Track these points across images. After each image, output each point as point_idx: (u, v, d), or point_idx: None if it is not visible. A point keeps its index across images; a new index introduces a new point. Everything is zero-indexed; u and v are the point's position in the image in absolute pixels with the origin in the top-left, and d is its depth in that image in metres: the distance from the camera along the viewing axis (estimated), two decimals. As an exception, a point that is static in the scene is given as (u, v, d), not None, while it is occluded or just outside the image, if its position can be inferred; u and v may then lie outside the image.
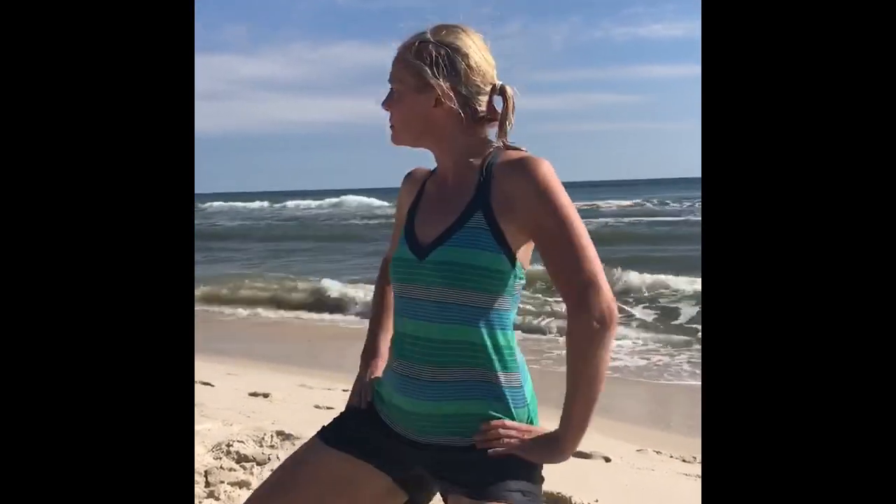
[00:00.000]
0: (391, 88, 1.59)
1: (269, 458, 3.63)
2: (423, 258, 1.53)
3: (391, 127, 1.60)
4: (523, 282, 1.55)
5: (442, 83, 1.52)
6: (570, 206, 1.46)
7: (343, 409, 1.76)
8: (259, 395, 5.44)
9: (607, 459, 4.13)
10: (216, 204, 54.75)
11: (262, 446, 3.88)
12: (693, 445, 4.66)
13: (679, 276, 10.83)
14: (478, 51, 1.54)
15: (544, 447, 1.51)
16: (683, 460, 4.29)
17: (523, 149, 1.55)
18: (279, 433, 4.11)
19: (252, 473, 3.42)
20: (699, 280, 10.66)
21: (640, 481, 3.67)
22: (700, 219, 1.29)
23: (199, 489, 3.21)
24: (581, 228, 1.45)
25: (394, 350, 1.62)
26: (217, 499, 3.07)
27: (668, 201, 40.48)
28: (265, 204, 54.19)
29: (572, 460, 4.21)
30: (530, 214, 1.46)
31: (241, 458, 3.65)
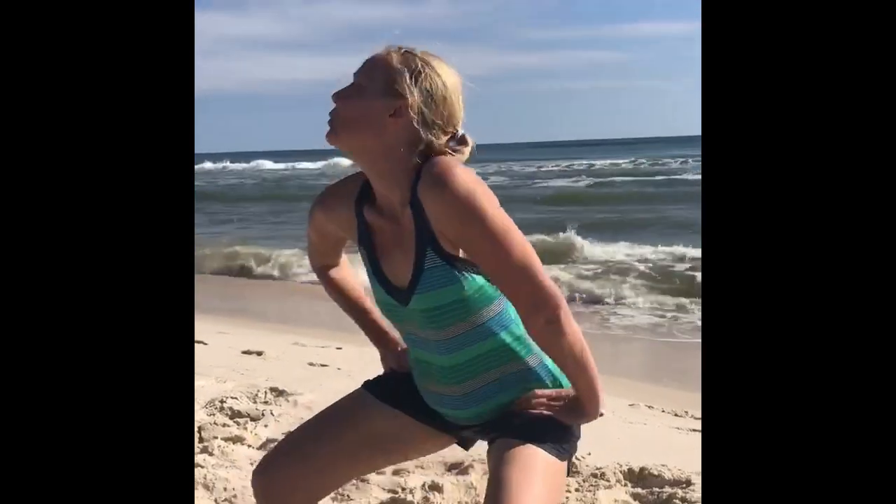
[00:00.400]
0: (352, 82, 1.50)
1: (262, 414, 3.64)
2: (405, 304, 1.54)
3: (330, 122, 1.50)
4: None
5: (410, 95, 1.45)
6: (494, 218, 1.41)
7: (373, 374, 1.79)
8: (252, 353, 5.45)
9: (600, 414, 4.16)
10: (207, 165, 54.36)
11: (255, 402, 3.89)
12: (684, 400, 4.70)
13: (673, 245, 10.87)
14: (457, 90, 1.49)
15: (571, 411, 1.59)
16: (675, 414, 4.32)
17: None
18: (273, 389, 4.12)
19: (246, 429, 3.43)
20: (693, 245, 10.70)
21: (632, 435, 3.70)
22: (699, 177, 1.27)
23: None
24: (511, 238, 1.42)
25: (414, 370, 1.66)
26: (211, 454, 3.08)
27: (665, 160, 40.41)
28: (265, 163, 53.70)
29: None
30: (459, 237, 1.45)
31: (235, 414, 3.65)
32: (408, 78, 1.44)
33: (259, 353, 5.44)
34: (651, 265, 9.72)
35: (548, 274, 1.46)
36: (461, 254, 1.48)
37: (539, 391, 1.59)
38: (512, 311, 1.56)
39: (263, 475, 1.66)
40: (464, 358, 1.55)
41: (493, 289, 1.53)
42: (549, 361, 1.61)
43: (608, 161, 41.36)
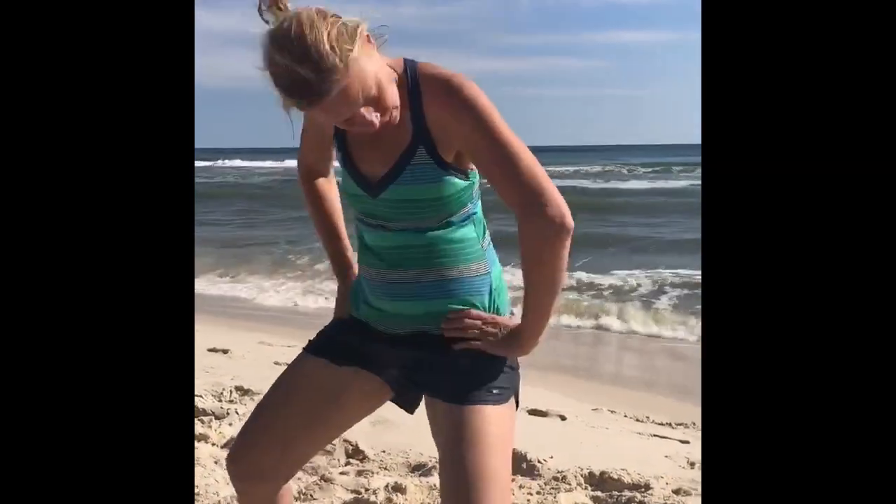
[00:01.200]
0: (367, 101, 1.41)
1: (227, 413, 3.63)
2: (375, 196, 1.54)
3: (376, 123, 1.44)
4: (477, 181, 1.57)
5: (361, 51, 1.37)
6: (499, 121, 1.45)
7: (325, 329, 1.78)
8: (218, 351, 5.43)
9: (563, 418, 4.20)
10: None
11: (220, 401, 3.88)
12: (646, 405, 4.77)
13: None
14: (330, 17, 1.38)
15: (505, 343, 1.58)
16: (637, 419, 4.39)
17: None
18: (238, 388, 4.12)
19: (210, 427, 3.42)
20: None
21: (594, 439, 3.75)
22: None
23: (156, 442, 3.21)
24: (519, 144, 1.45)
25: (361, 259, 1.66)
26: (175, 452, 3.07)
27: (636, 168, 40.66)
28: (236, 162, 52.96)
29: (528, 418, 4.28)
30: (466, 141, 1.46)
31: (200, 413, 3.64)
32: (350, 43, 1.36)
33: (225, 352, 5.42)
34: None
35: None
36: (453, 158, 1.50)
37: (474, 311, 1.58)
38: (470, 217, 1.57)
39: (234, 463, 1.68)
40: (417, 242, 1.55)
41: (469, 194, 1.55)
42: (495, 277, 1.62)
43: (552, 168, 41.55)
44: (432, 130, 1.48)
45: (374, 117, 1.43)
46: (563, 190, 1.48)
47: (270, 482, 1.69)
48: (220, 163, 53.48)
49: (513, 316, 1.64)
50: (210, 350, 5.45)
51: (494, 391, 1.55)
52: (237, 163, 54.29)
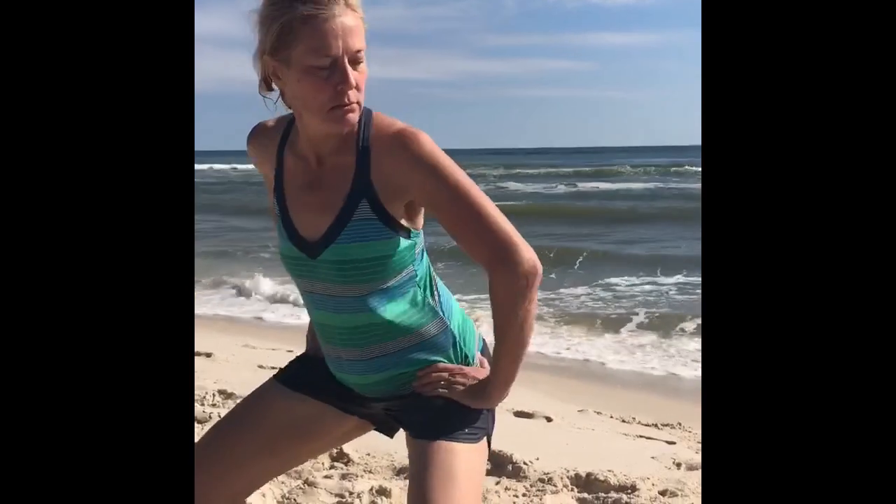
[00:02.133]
0: (351, 55, 1.36)
1: (209, 417, 3.59)
2: (314, 257, 1.47)
3: (356, 106, 1.39)
4: (421, 240, 1.52)
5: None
6: (463, 179, 1.40)
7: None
8: (201, 355, 5.38)
9: (549, 419, 4.19)
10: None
11: (203, 405, 3.84)
12: (632, 407, 4.76)
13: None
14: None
15: (474, 394, 1.53)
16: (623, 420, 4.38)
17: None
18: (221, 392, 4.08)
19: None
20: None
21: (580, 440, 3.74)
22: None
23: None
24: (482, 198, 1.41)
25: (317, 334, 1.60)
26: (156, 456, 3.04)
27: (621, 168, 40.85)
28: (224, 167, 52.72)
29: (514, 419, 4.26)
30: (424, 196, 1.41)
31: (182, 417, 3.61)
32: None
33: (208, 355, 5.38)
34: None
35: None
36: (398, 214, 1.43)
37: (441, 365, 1.54)
38: (416, 280, 1.51)
39: None
40: (365, 321, 1.49)
41: (411, 254, 1.48)
42: (455, 327, 1.56)
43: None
44: (376, 183, 1.41)
45: (355, 90, 1.37)
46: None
47: None
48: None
49: (482, 363, 1.59)
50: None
51: (466, 430, 1.52)
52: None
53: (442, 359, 1.55)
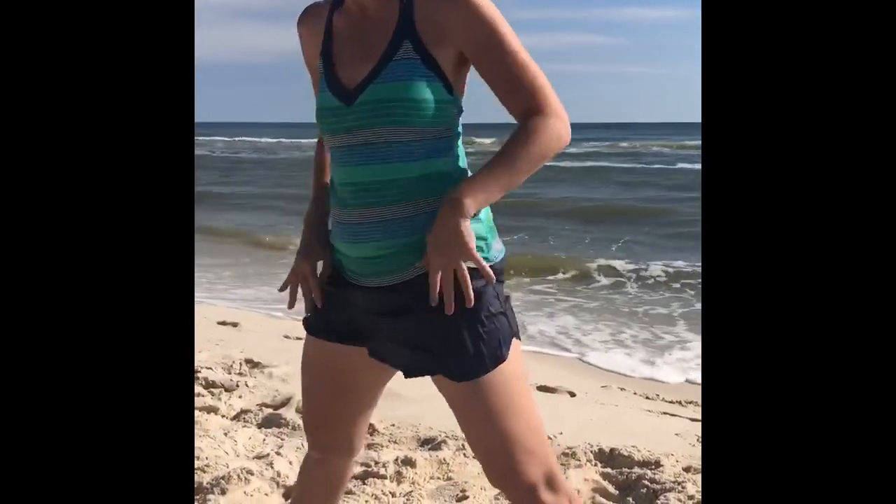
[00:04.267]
0: None
1: (237, 385, 3.64)
2: (351, 102, 1.44)
3: None
4: (462, 112, 1.50)
5: None
6: (506, 26, 1.41)
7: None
8: (228, 324, 5.43)
9: (572, 394, 4.20)
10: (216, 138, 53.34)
11: (230, 373, 3.89)
12: (655, 384, 4.76)
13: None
14: None
15: (448, 220, 1.39)
16: (646, 397, 4.38)
17: None
18: (248, 361, 4.13)
19: (220, 399, 3.43)
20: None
21: (604, 415, 3.74)
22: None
23: (166, 413, 3.22)
24: (519, 43, 1.42)
25: (334, 200, 1.55)
26: (185, 423, 3.08)
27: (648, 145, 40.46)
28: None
29: (537, 394, 4.26)
30: (463, 35, 1.41)
31: (210, 385, 3.65)
32: None
33: (234, 325, 5.43)
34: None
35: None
36: (443, 62, 1.43)
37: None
38: (451, 150, 1.48)
39: (311, 434, 1.73)
40: (391, 173, 1.44)
41: (452, 113, 1.46)
42: (486, 217, 1.49)
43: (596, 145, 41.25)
44: (420, 25, 1.42)
45: None
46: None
47: (346, 455, 1.73)
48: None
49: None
50: (220, 323, 5.47)
51: (494, 352, 1.46)
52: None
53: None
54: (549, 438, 3.07)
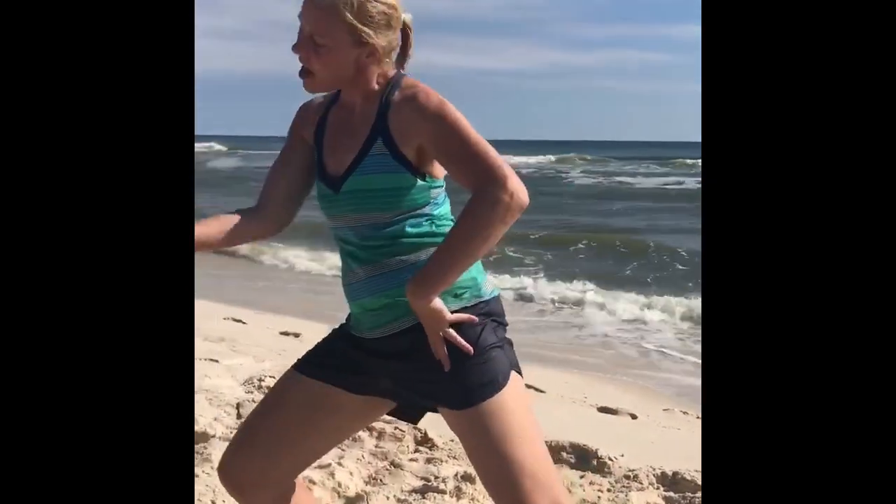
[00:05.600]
0: (307, 36, 1.59)
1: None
2: (337, 191, 1.63)
3: (307, 73, 1.62)
4: (441, 187, 1.64)
5: (379, 41, 1.59)
6: (460, 118, 1.54)
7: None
8: (290, 335, 5.51)
9: (633, 416, 4.15)
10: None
11: (292, 383, 3.94)
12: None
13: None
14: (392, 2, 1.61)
15: (410, 288, 1.55)
16: (709, 422, 4.29)
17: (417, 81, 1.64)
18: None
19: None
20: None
21: (665, 439, 3.69)
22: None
23: (230, 420, 3.27)
24: (474, 133, 1.53)
25: (341, 270, 1.71)
26: (248, 430, 3.13)
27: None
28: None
29: (598, 415, 4.22)
30: (422, 132, 1.56)
31: (272, 394, 3.71)
32: (371, 32, 1.58)
33: (296, 335, 5.51)
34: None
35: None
36: (410, 156, 1.58)
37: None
38: (431, 218, 1.62)
39: (221, 473, 1.73)
40: (375, 242, 1.61)
41: (425, 195, 1.61)
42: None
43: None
44: (391, 125, 1.59)
45: (305, 59, 1.60)
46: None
47: (264, 489, 1.70)
48: None
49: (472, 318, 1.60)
50: (282, 333, 5.55)
51: (491, 381, 1.55)
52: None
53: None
54: (610, 460, 3.04)
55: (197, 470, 2.58)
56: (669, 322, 7.42)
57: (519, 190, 1.49)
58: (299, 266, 10.40)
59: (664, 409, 4.50)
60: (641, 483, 2.88)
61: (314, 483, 2.60)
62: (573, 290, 8.85)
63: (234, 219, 1.68)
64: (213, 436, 2.98)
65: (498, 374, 1.57)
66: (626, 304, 8.07)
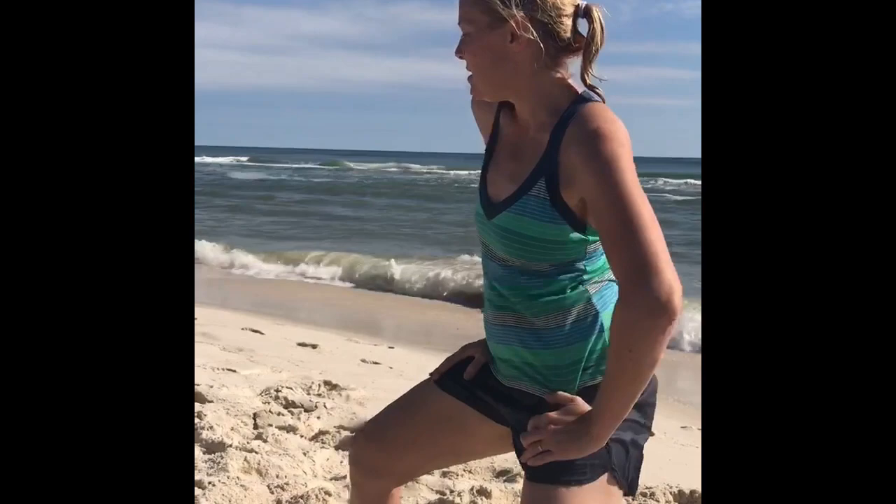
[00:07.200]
0: (462, 33, 1.44)
1: (315, 406, 3.68)
2: (490, 218, 1.49)
3: (469, 79, 1.48)
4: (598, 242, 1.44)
5: (515, 12, 1.37)
6: (631, 184, 1.32)
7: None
8: (307, 346, 5.52)
9: (651, 433, 4.11)
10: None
11: (309, 394, 3.94)
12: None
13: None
14: None
15: (574, 437, 1.41)
16: (727, 440, 4.26)
17: (604, 100, 1.43)
18: (326, 383, 4.18)
19: (299, 419, 3.48)
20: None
21: (684, 457, 3.66)
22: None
23: (247, 430, 3.28)
24: (641, 207, 1.30)
25: (485, 297, 1.61)
26: (265, 441, 3.14)
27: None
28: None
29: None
30: (586, 189, 1.36)
31: (289, 404, 3.71)
32: (498, 1, 1.38)
33: (314, 346, 5.52)
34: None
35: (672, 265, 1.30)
36: (572, 204, 1.40)
37: (547, 416, 1.43)
38: (583, 277, 1.46)
39: (354, 448, 1.74)
40: (511, 286, 1.48)
41: (580, 251, 1.44)
42: (606, 317, 1.46)
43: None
44: (560, 167, 1.39)
45: (460, 56, 1.44)
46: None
47: (382, 479, 1.71)
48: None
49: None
50: (300, 344, 5.56)
51: (577, 468, 1.41)
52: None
53: (555, 360, 1.48)
54: (628, 477, 3.02)
55: (213, 479, 2.58)
56: (687, 340, 7.37)
57: (672, 295, 1.26)
58: (316, 276, 10.42)
59: (682, 427, 4.46)
60: (658, 501, 2.86)
61: (329, 495, 2.59)
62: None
63: None
64: (230, 445, 2.99)
65: (586, 466, 1.42)
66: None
